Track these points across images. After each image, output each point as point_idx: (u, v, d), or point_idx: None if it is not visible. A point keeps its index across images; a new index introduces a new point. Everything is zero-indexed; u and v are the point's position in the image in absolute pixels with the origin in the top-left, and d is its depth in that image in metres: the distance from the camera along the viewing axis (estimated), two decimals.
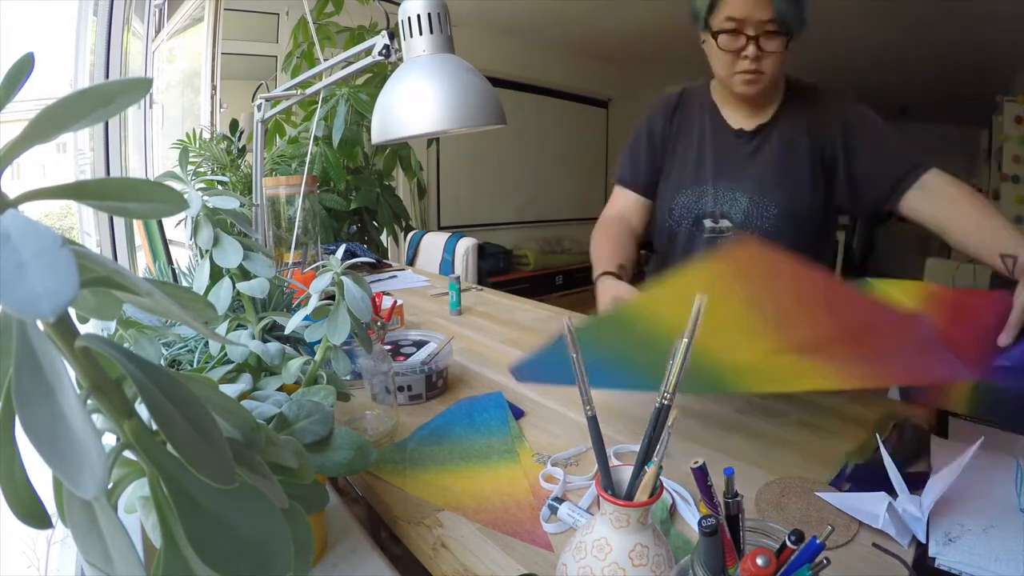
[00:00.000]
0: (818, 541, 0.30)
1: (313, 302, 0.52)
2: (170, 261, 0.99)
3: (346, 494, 0.64)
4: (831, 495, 0.56)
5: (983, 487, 0.57)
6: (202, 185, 0.55)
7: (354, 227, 2.28)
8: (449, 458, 0.65)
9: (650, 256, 1.20)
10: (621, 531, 0.38)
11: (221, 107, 2.79)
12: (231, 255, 0.48)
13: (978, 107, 3.91)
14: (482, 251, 2.44)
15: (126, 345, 0.41)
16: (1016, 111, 3.52)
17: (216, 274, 0.51)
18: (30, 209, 0.19)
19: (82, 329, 0.22)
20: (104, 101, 0.21)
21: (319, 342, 0.52)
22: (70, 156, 1.72)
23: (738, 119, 1.05)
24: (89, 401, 0.22)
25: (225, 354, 0.52)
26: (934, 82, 4.15)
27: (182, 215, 0.47)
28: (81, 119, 0.20)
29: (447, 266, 2.11)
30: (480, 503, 0.57)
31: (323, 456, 0.44)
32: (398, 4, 0.68)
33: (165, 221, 1.07)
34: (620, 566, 0.37)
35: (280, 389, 0.49)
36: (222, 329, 0.53)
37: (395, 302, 1.08)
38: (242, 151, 1.89)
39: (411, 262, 2.35)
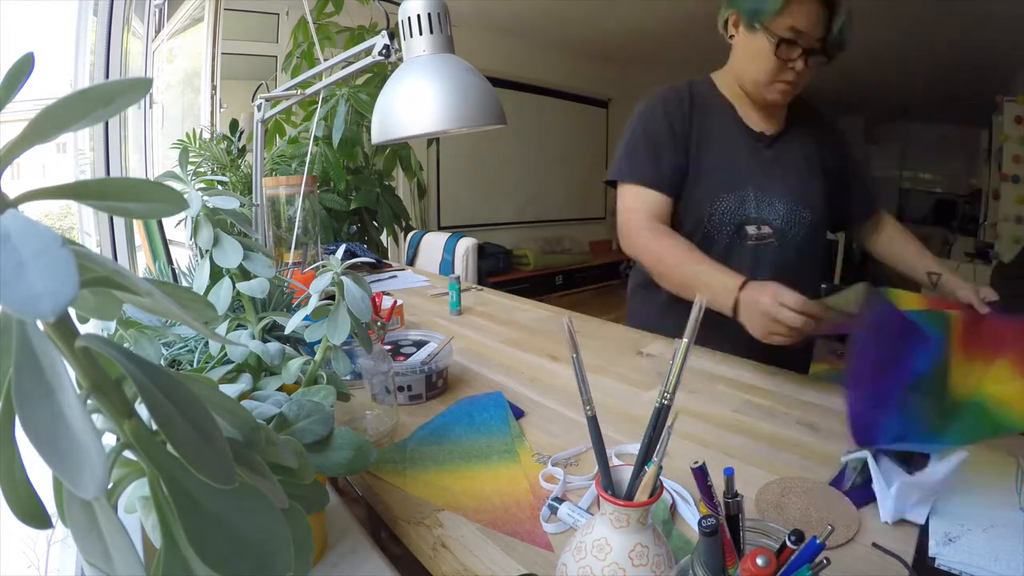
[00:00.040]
0: (818, 541, 0.30)
1: (313, 302, 0.52)
2: (170, 261, 0.99)
3: (346, 494, 0.64)
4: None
5: (983, 487, 0.57)
6: (202, 185, 0.55)
7: (354, 227, 2.28)
8: (449, 458, 0.65)
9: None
10: (621, 531, 0.38)
11: (221, 107, 2.79)
12: (231, 255, 0.48)
13: (978, 107, 3.91)
14: (482, 251, 2.44)
15: (126, 345, 0.41)
16: (1016, 111, 3.52)
17: (216, 274, 0.51)
18: (30, 209, 0.19)
19: (82, 329, 0.22)
20: (104, 101, 0.21)
21: (319, 342, 0.52)
22: (70, 156, 1.73)
23: (756, 121, 1.04)
24: (89, 401, 0.22)
25: (225, 354, 0.52)
26: (934, 82, 4.15)
27: (182, 215, 0.47)
28: (81, 119, 0.20)
29: (447, 266, 2.12)
30: (480, 503, 0.57)
31: (323, 456, 0.44)
32: (398, 4, 0.68)
33: (165, 221, 1.07)
34: (620, 566, 0.37)
35: (280, 389, 0.49)
36: (222, 329, 0.53)
37: (395, 302, 1.08)
38: (242, 151, 1.89)
39: (411, 262, 2.35)
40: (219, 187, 0.55)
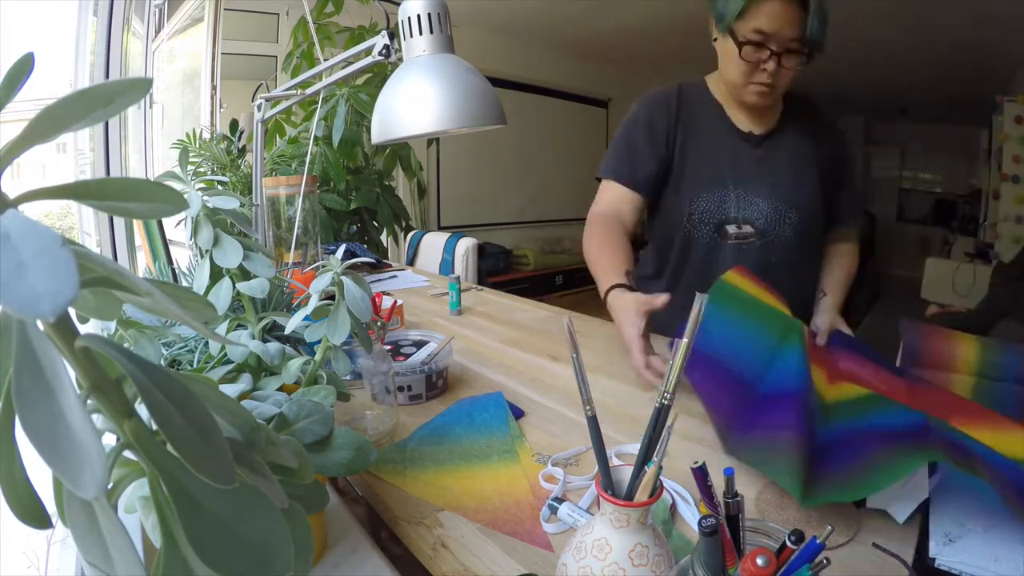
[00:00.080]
0: (818, 541, 0.30)
1: (313, 302, 0.52)
2: (170, 261, 0.99)
3: (346, 494, 0.64)
4: None
5: (983, 487, 0.57)
6: (202, 185, 0.55)
7: (354, 227, 2.28)
8: (449, 458, 0.65)
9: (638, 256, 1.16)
10: (621, 531, 0.38)
11: (221, 107, 2.80)
12: (231, 255, 0.48)
13: (978, 107, 3.91)
14: (482, 251, 2.44)
15: (126, 345, 0.41)
16: (1016, 111, 3.52)
17: (216, 274, 0.51)
18: (30, 209, 0.19)
19: (82, 329, 0.22)
20: (104, 101, 0.21)
21: (319, 342, 0.52)
22: (70, 156, 1.73)
23: (745, 122, 1.04)
24: (89, 401, 0.22)
25: (225, 354, 0.52)
26: (934, 82, 4.15)
27: (182, 215, 0.47)
28: (81, 119, 0.20)
29: (447, 266, 2.11)
30: (480, 503, 0.57)
31: (323, 456, 0.44)
32: (398, 4, 0.68)
33: (165, 221, 1.07)
34: (620, 566, 0.37)
35: (280, 389, 0.49)
36: (222, 329, 0.53)
37: (395, 302, 1.08)
38: (242, 151, 1.89)
39: (411, 262, 2.35)
40: (219, 187, 0.55)
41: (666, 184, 1.06)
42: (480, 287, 1.57)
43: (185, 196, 0.39)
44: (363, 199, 2.19)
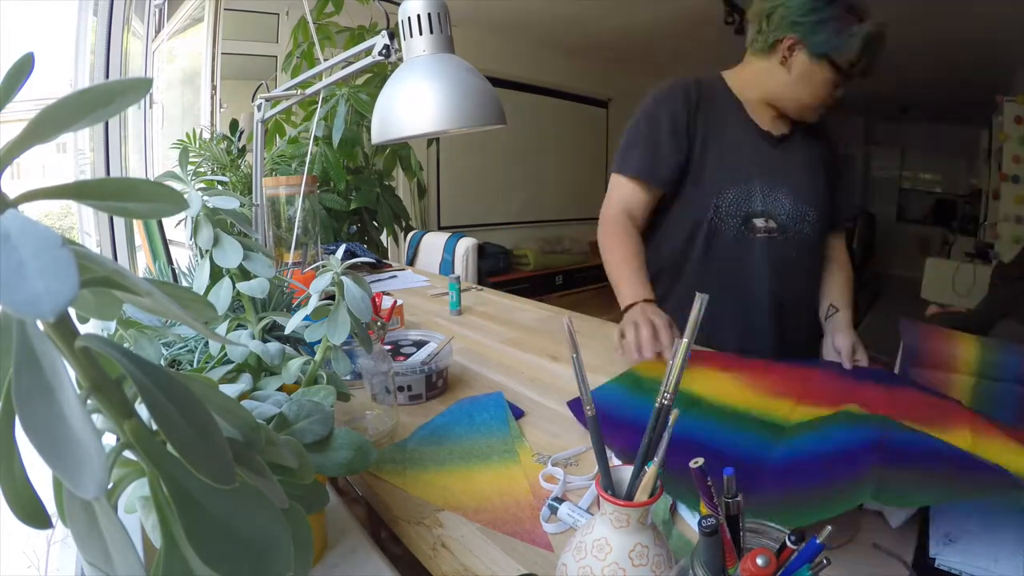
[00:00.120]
0: (818, 541, 0.30)
1: (313, 302, 0.52)
2: (170, 261, 0.99)
3: (346, 494, 0.64)
4: None
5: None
6: (202, 185, 0.55)
7: (354, 227, 2.28)
8: (449, 458, 0.65)
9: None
10: (621, 531, 0.38)
11: (221, 107, 2.80)
12: (231, 255, 0.48)
13: (978, 107, 3.91)
14: (482, 251, 2.44)
15: (126, 345, 0.41)
16: (1016, 111, 3.52)
17: (216, 274, 0.51)
18: (30, 209, 0.19)
19: (82, 329, 0.22)
20: (104, 101, 0.21)
21: (319, 342, 0.52)
22: (70, 156, 1.73)
23: (766, 122, 1.06)
24: (89, 401, 0.22)
25: (225, 354, 0.52)
26: (934, 82, 4.15)
27: (182, 215, 0.47)
28: (81, 119, 0.20)
29: (447, 266, 2.11)
30: (480, 503, 0.57)
31: (323, 456, 0.44)
32: (398, 4, 0.68)
33: (165, 221, 1.07)
34: (620, 566, 0.37)
35: (280, 389, 0.49)
36: (222, 329, 0.53)
37: (395, 302, 1.08)
38: (242, 151, 1.89)
39: (411, 262, 2.35)
40: (219, 187, 0.55)
41: (685, 176, 1.06)
42: (480, 287, 1.57)
43: (185, 196, 0.39)
44: (363, 199, 2.19)
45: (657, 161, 1.05)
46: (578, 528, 0.47)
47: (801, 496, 0.52)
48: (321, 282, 0.52)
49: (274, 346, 0.50)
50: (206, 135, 2.23)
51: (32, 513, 0.21)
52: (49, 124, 0.19)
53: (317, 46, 1.75)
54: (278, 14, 3.02)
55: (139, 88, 0.21)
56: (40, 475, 0.21)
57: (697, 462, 0.35)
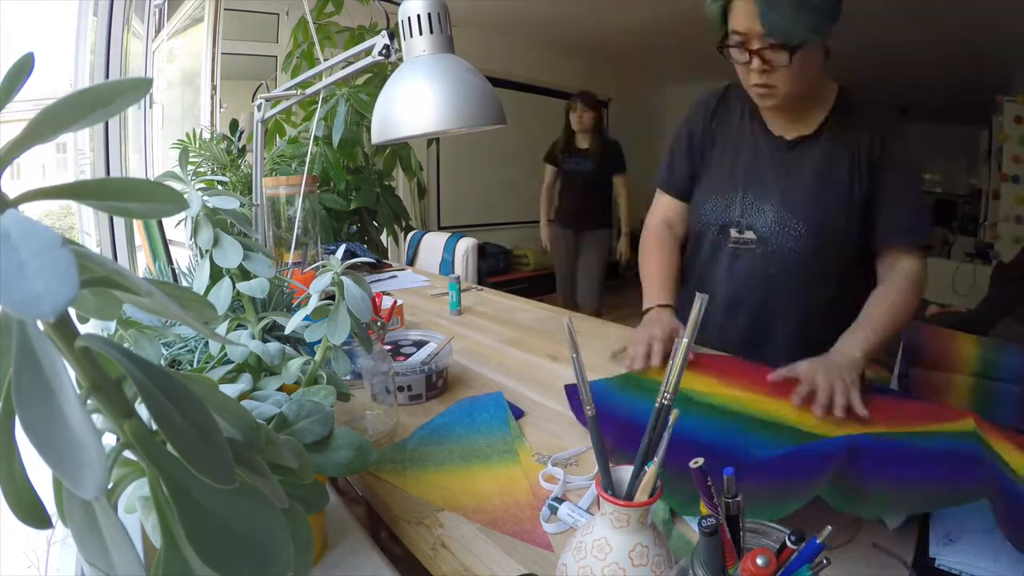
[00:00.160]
0: (818, 541, 0.30)
1: (313, 302, 0.52)
2: (170, 261, 0.99)
3: (346, 494, 0.64)
4: None
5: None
6: (202, 185, 0.55)
7: (354, 227, 2.28)
8: (449, 458, 0.65)
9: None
10: (621, 531, 0.38)
11: (221, 107, 2.79)
12: (231, 255, 0.48)
13: (978, 107, 3.91)
14: (482, 251, 2.44)
15: (126, 345, 0.41)
16: (1016, 111, 3.53)
17: (216, 274, 0.51)
18: (30, 209, 0.19)
19: (82, 329, 0.22)
20: (104, 101, 0.21)
21: (319, 342, 0.52)
22: (70, 156, 1.73)
23: (780, 125, 0.99)
24: (89, 401, 0.22)
25: (225, 354, 0.52)
26: (934, 82, 4.15)
27: (182, 215, 0.47)
28: (81, 119, 0.20)
29: (447, 266, 2.11)
30: (480, 503, 0.57)
31: (323, 456, 0.44)
32: (398, 4, 0.68)
33: (165, 221, 1.07)
34: (620, 566, 0.37)
35: (280, 389, 0.49)
36: (222, 329, 0.53)
37: (395, 302, 1.08)
38: (242, 151, 1.89)
39: (411, 262, 2.35)
40: (219, 187, 0.55)
41: (698, 184, 1.09)
42: (480, 287, 1.57)
43: (185, 196, 0.39)
44: (363, 199, 2.19)
45: (673, 173, 1.11)
46: (578, 528, 0.47)
47: (762, 490, 0.53)
48: (321, 282, 0.52)
49: (274, 346, 0.50)
50: (206, 135, 2.23)
51: (32, 513, 0.21)
52: (49, 124, 0.19)
53: (317, 46, 1.75)
54: (278, 14, 3.02)
55: (139, 88, 0.21)
56: (40, 475, 0.21)
57: (697, 462, 0.35)
